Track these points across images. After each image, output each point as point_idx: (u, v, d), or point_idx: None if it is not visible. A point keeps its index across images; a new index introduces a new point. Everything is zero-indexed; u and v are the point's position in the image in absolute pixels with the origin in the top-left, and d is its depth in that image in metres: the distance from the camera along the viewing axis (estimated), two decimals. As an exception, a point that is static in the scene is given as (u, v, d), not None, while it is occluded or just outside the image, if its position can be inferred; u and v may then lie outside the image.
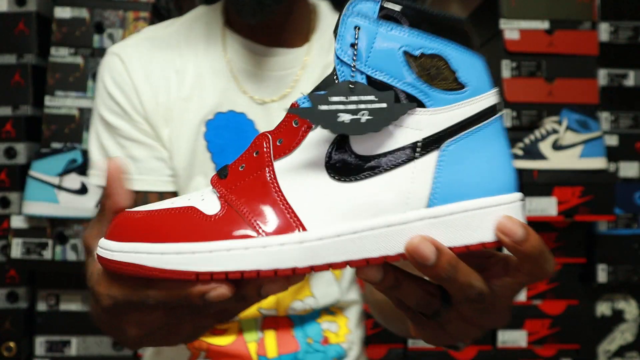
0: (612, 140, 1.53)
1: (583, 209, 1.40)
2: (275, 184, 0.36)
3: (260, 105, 0.72)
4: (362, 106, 0.34)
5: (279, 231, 0.34)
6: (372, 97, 0.34)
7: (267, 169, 0.36)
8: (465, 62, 0.36)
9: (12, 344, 1.38)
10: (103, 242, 0.37)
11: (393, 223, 0.35)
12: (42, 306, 1.41)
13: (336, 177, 0.35)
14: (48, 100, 1.41)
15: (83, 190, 1.30)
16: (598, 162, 1.39)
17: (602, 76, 1.55)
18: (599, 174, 1.40)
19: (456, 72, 0.36)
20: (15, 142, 1.40)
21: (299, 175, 0.36)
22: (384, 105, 0.34)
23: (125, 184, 0.44)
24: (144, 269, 0.34)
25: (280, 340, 0.73)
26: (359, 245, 0.34)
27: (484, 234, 0.36)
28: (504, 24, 1.52)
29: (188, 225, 0.35)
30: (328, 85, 0.36)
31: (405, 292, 0.37)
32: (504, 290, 0.38)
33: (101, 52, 1.43)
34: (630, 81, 1.56)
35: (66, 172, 1.30)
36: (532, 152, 1.41)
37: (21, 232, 1.32)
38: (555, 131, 1.40)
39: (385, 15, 0.36)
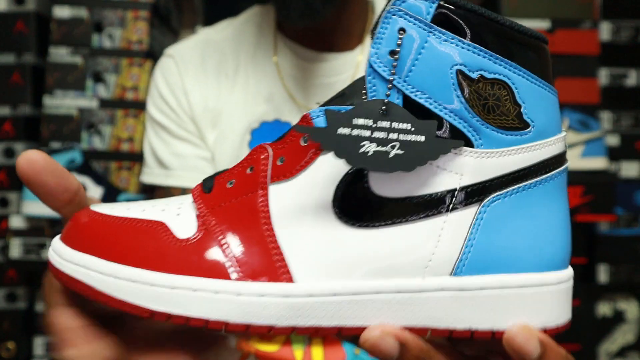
0: (613, 140, 1.53)
1: (584, 208, 1.39)
2: (266, 214, 0.28)
3: None
4: (394, 136, 0.26)
5: (260, 276, 0.27)
6: (408, 126, 0.26)
7: (259, 192, 0.28)
8: (535, 95, 0.28)
9: (11, 345, 1.38)
10: (56, 242, 0.31)
11: (406, 289, 0.27)
12: (41, 306, 1.41)
13: (344, 220, 0.28)
14: (47, 100, 1.40)
15: (82, 190, 1.30)
16: (599, 162, 1.39)
17: (603, 76, 1.55)
18: (600, 174, 1.39)
19: (521, 107, 0.28)
20: (13, 142, 1.39)
21: (298, 209, 0.28)
22: (422, 138, 0.26)
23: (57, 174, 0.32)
24: (93, 291, 0.29)
25: (327, 349, 0.71)
26: (358, 311, 0.27)
27: (502, 321, 0.28)
28: (504, 23, 1.51)
29: (152, 247, 0.28)
30: (353, 100, 0.28)
31: None
32: None
33: (100, 51, 1.43)
34: (631, 81, 1.55)
35: (65, 172, 1.29)
36: (533, 152, 1.40)
37: (20, 233, 1.31)
38: (556, 131, 1.40)
39: (442, 20, 0.27)
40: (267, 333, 0.26)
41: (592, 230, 1.51)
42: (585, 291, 1.51)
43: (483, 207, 0.27)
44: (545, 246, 0.28)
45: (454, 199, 0.27)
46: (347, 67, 0.69)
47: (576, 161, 1.39)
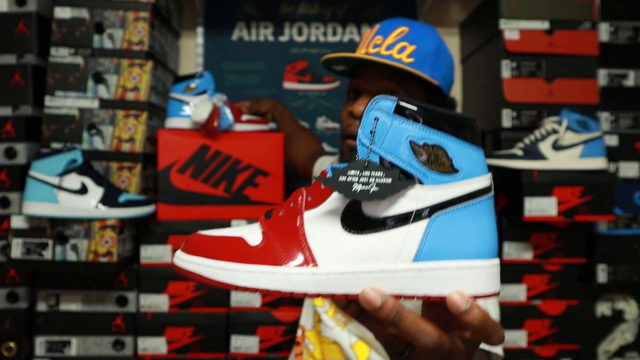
0: (612, 141, 1.53)
1: (583, 209, 1.40)
2: (302, 229, 0.46)
3: None
4: (372, 180, 0.44)
5: (299, 264, 0.45)
6: (380, 174, 0.44)
7: (298, 217, 0.47)
8: (460, 152, 0.44)
9: (12, 344, 1.38)
10: (179, 253, 0.49)
11: (385, 270, 0.44)
12: (42, 306, 1.41)
13: (347, 229, 0.45)
14: (48, 101, 1.41)
15: (83, 190, 1.30)
16: (598, 162, 1.39)
17: (602, 76, 1.56)
18: (599, 174, 1.40)
19: (452, 160, 0.44)
20: (15, 142, 1.40)
21: (320, 225, 0.46)
22: (389, 180, 0.43)
23: None
24: (201, 277, 0.46)
25: None
26: (356, 284, 0.45)
27: (445, 290, 0.44)
28: (504, 24, 1.52)
29: (236, 251, 0.46)
30: (350, 161, 0.46)
31: (375, 327, 0.47)
32: (464, 344, 0.46)
33: (101, 52, 1.43)
34: (630, 81, 1.56)
35: (66, 172, 1.29)
36: (532, 152, 1.41)
37: (21, 232, 1.32)
38: (555, 131, 1.40)
39: (400, 112, 0.44)
40: (303, 297, 0.43)
41: (591, 231, 1.52)
42: (584, 291, 1.52)
43: (431, 220, 0.44)
44: (473, 244, 0.44)
45: (413, 215, 0.44)
46: None
47: (575, 161, 1.39)
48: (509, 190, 1.50)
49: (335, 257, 0.44)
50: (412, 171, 0.44)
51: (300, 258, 0.45)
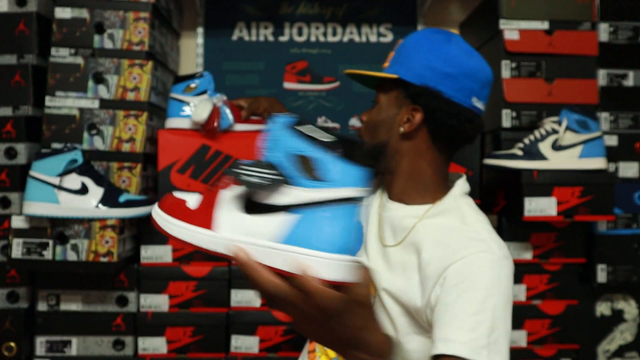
0: (612, 141, 1.54)
1: (583, 209, 1.40)
2: (216, 204, 0.59)
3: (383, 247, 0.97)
4: (263, 176, 0.54)
5: (206, 227, 0.58)
6: (268, 172, 0.54)
7: (218, 194, 0.59)
8: (329, 164, 0.54)
9: (12, 344, 1.38)
10: (156, 206, 0.64)
11: (258, 244, 0.55)
12: (42, 306, 1.42)
13: (242, 210, 0.57)
14: (48, 101, 1.41)
15: (83, 190, 1.30)
16: (598, 163, 1.39)
17: (602, 76, 1.56)
18: (598, 174, 1.40)
19: (319, 170, 0.54)
20: (15, 143, 1.40)
21: (227, 203, 0.58)
22: (272, 178, 0.54)
23: None
24: (159, 228, 0.61)
25: None
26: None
27: (297, 270, 0.54)
28: (503, 24, 1.52)
29: (181, 211, 0.61)
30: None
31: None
32: (318, 311, 0.56)
33: (101, 52, 1.43)
34: (629, 81, 1.56)
35: (66, 172, 1.30)
36: (532, 153, 1.41)
37: (21, 232, 1.32)
38: (555, 131, 1.40)
39: (291, 127, 0.56)
40: (205, 252, 0.58)
41: (590, 230, 1.52)
42: (583, 291, 1.52)
43: (300, 214, 0.54)
44: (327, 240, 0.54)
45: (286, 207, 0.55)
46: (406, 214, 0.94)
47: (575, 161, 1.39)
48: (508, 190, 1.50)
49: (229, 227, 0.57)
50: (288, 174, 0.55)
51: (208, 223, 0.58)
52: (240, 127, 1.47)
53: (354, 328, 0.58)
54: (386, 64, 0.98)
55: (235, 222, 0.57)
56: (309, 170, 0.55)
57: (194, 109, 1.40)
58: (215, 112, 1.40)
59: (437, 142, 0.94)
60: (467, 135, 0.94)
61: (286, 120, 0.57)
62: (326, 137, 0.55)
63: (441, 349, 0.78)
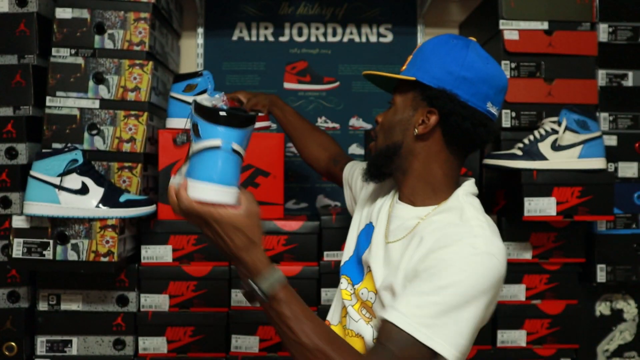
0: (611, 141, 1.54)
1: (582, 209, 1.40)
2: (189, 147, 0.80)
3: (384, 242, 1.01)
4: (190, 134, 0.79)
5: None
6: (191, 132, 0.78)
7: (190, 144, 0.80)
8: (202, 126, 0.76)
9: (13, 344, 1.38)
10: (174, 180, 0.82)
11: (177, 183, 0.79)
12: (43, 306, 1.42)
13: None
14: (49, 101, 1.41)
15: (84, 190, 1.31)
16: (597, 163, 1.40)
17: (601, 76, 1.56)
18: (598, 174, 1.40)
19: (199, 131, 0.76)
20: (16, 143, 1.40)
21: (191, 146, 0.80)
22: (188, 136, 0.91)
23: None
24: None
25: None
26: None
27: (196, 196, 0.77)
28: (503, 24, 1.52)
29: None
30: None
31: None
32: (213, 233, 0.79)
33: (102, 52, 1.44)
34: (629, 81, 1.56)
35: (67, 172, 1.30)
36: (532, 153, 1.41)
37: (22, 232, 1.32)
38: (554, 131, 1.40)
39: (194, 106, 0.78)
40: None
41: (590, 230, 1.52)
42: (583, 291, 1.52)
43: (194, 158, 0.77)
44: (203, 173, 0.76)
45: (188, 156, 0.79)
46: (408, 214, 0.99)
47: (574, 162, 1.39)
48: (508, 190, 1.51)
49: (186, 166, 0.79)
50: (191, 134, 0.78)
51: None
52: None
53: (235, 247, 0.78)
54: (404, 67, 1.00)
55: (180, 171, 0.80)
56: (195, 131, 0.77)
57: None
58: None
59: (450, 145, 0.96)
60: (480, 139, 0.96)
61: (195, 102, 0.78)
62: (203, 110, 0.76)
63: (386, 313, 0.83)
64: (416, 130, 0.95)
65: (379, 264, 0.96)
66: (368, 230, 1.05)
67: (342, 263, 1.09)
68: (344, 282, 1.05)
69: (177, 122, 1.46)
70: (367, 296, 0.97)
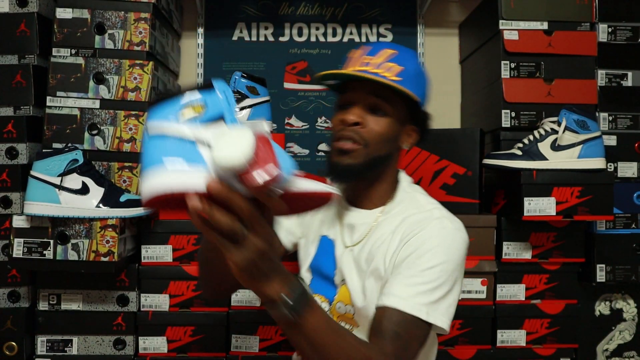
0: (611, 141, 1.54)
1: (582, 209, 1.40)
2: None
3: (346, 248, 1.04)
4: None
5: None
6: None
7: None
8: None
9: (13, 343, 1.38)
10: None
11: None
12: (43, 305, 1.42)
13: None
14: (49, 101, 1.41)
15: (84, 190, 1.31)
16: (597, 163, 1.40)
17: (601, 77, 1.56)
18: (597, 174, 1.40)
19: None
20: (16, 143, 1.40)
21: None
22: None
23: None
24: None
25: None
26: None
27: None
28: (503, 24, 1.52)
29: None
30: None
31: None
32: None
33: (102, 52, 1.44)
34: (628, 81, 1.56)
35: (67, 172, 1.30)
36: (531, 153, 1.41)
37: (23, 232, 1.32)
38: (554, 131, 1.41)
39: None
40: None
41: (589, 230, 1.52)
42: (583, 291, 1.52)
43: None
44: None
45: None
46: (368, 219, 1.03)
47: (574, 161, 1.40)
48: (508, 190, 1.51)
49: None
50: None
51: None
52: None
53: (257, 278, 0.65)
54: (389, 74, 0.99)
55: None
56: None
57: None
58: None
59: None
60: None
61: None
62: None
63: (385, 300, 0.89)
64: (405, 145, 1.04)
65: (352, 271, 1.00)
66: (325, 245, 1.07)
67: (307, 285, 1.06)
68: (318, 302, 1.03)
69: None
70: (345, 309, 1.00)
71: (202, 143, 0.60)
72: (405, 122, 1.02)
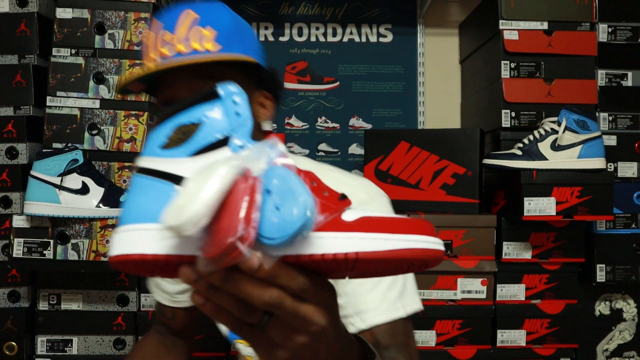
0: (611, 141, 1.54)
1: (582, 209, 1.40)
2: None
3: None
4: None
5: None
6: None
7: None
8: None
9: (13, 343, 1.39)
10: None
11: None
12: (43, 305, 1.42)
13: None
14: (49, 101, 1.41)
15: (84, 190, 1.31)
16: (597, 163, 1.40)
17: (601, 76, 1.56)
18: (597, 174, 1.40)
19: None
20: (16, 142, 1.40)
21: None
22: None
23: None
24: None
25: None
26: None
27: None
28: (503, 24, 1.52)
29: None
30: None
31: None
32: None
33: (102, 52, 1.44)
34: (628, 81, 1.56)
35: (67, 172, 1.30)
36: (531, 153, 1.41)
37: (23, 232, 1.32)
38: (554, 131, 1.41)
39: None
40: None
41: (589, 230, 1.52)
42: (583, 290, 1.53)
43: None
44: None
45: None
46: None
47: (574, 161, 1.40)
48: (508, 190, 1.51)
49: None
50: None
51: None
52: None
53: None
54: (204, 46, 0.76)
55: None
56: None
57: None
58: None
59: None
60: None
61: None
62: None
63: (363, 323, 0.76)
64: (265, 120, 0.83)
65: None
66: None
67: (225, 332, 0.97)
68: (242, 347, 0.94)
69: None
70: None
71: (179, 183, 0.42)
72: (250, 92, 0.80)
